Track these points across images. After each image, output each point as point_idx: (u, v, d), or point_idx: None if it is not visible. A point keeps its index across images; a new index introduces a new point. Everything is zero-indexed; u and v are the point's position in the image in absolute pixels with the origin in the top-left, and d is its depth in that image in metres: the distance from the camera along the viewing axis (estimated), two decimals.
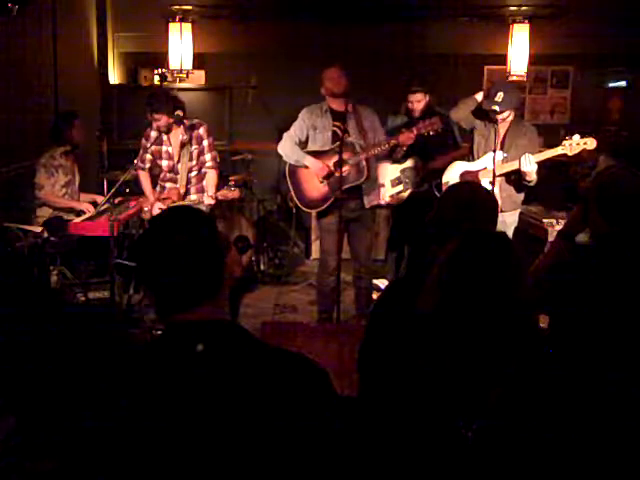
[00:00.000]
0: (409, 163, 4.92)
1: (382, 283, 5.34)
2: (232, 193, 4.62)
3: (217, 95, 6.80)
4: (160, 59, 6.51)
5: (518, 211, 4.55)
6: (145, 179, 4.80)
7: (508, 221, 4.38)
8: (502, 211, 4.06)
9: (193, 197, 4.72)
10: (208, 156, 4.70)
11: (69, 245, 4.46)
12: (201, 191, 4.72)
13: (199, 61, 6.63)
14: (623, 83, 6.94)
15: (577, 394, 1.63)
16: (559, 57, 6.86)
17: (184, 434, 1.24)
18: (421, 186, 4.91)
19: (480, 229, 1.74)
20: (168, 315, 1.34)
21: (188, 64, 6.41)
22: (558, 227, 4.51)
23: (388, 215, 6.04)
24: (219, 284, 1.36)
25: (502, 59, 6.41)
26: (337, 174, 4.21)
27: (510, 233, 4.31)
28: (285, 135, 4.54)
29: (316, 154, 4.42)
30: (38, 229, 4.27)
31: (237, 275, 1.44)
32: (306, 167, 4.44)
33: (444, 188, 4.35)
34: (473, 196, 2.11)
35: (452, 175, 4.56)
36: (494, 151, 4.16)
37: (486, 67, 6.87)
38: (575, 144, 4.16)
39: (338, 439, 1.31)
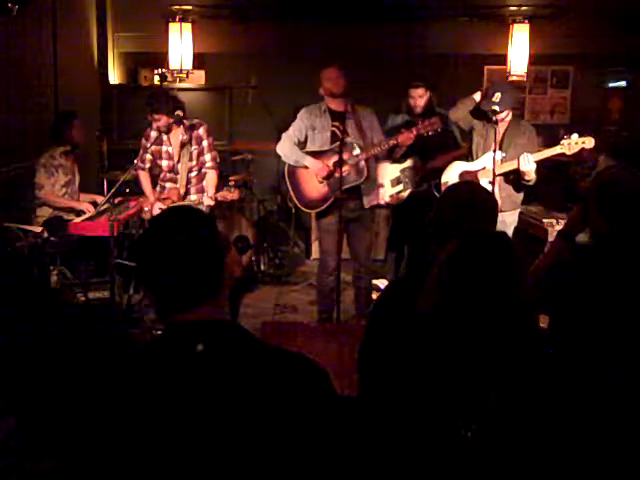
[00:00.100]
0: (409, 163, 4.92)
1: (382, 283, 5.34)
2: (232, 194, 4.62)
3: (217, 95, 6.79)
4: (160, 59, 6.51)
5: (518, 211, 4.56)
6: (145, 179, 4.80)
7: (508, 221, 4.38)
8: (502, 211, 4.05)
9: (193, 197, 4.72)
10: (208, 156, 4.70)
11: (69, 245, 4.46)
12: (201, 191, 4.72)
13: (199, 61, 6.63)
14: (623, 83, 6.93)
15: (577, 394, 1.63)
16: (559, 57, 6.86)
17: (184, 434, 1.24)
18: (420, 186, 4.92)
19: (480, 229, 1.74)
20: (168, 315, 1.34)
21: (188, 64, 6.41)
22: (558, 227, 4.51)
23: (388, 215, 6.04)
24: (219, 284, 1.36)
25: (502, 59, 6.41)
26: (337, 174, 4.21)
27: (510, 233, 4.31)
28: (284, 135, 4.54)
29: (315, 154, 4.42)
30: (38, 229, 4.27)
31: (237, 275, 1.44)
32: (305, 167, 4.44)
33: (443, 188, 4.36)
34: (473, 196, 2.12)
35: (451, 175, 4.56)
36: (494, 151, 4.16)
37: (486, 67, 6.87)
38: (574, 143, 4.16)
39: (338, 439, 1.31)
